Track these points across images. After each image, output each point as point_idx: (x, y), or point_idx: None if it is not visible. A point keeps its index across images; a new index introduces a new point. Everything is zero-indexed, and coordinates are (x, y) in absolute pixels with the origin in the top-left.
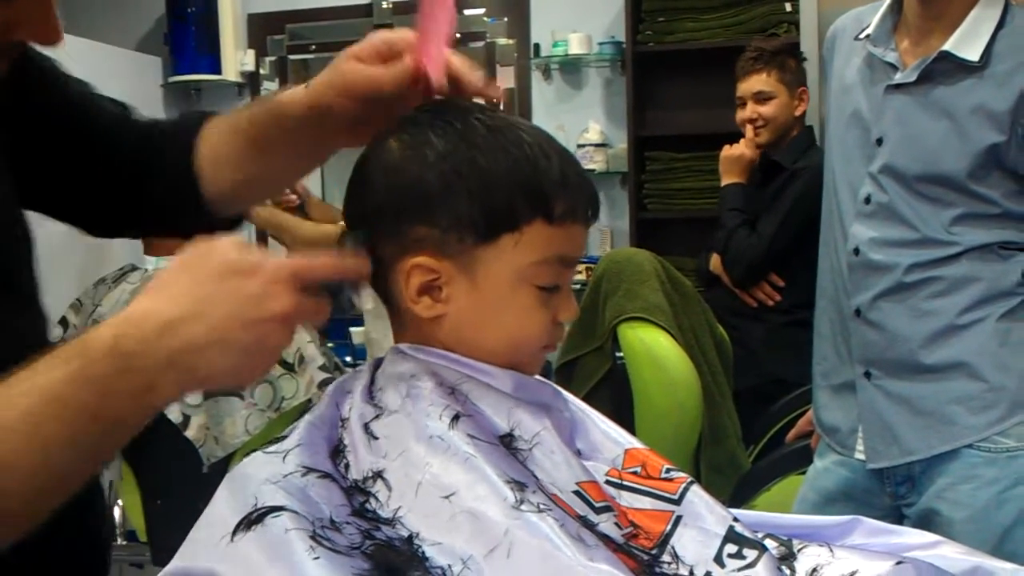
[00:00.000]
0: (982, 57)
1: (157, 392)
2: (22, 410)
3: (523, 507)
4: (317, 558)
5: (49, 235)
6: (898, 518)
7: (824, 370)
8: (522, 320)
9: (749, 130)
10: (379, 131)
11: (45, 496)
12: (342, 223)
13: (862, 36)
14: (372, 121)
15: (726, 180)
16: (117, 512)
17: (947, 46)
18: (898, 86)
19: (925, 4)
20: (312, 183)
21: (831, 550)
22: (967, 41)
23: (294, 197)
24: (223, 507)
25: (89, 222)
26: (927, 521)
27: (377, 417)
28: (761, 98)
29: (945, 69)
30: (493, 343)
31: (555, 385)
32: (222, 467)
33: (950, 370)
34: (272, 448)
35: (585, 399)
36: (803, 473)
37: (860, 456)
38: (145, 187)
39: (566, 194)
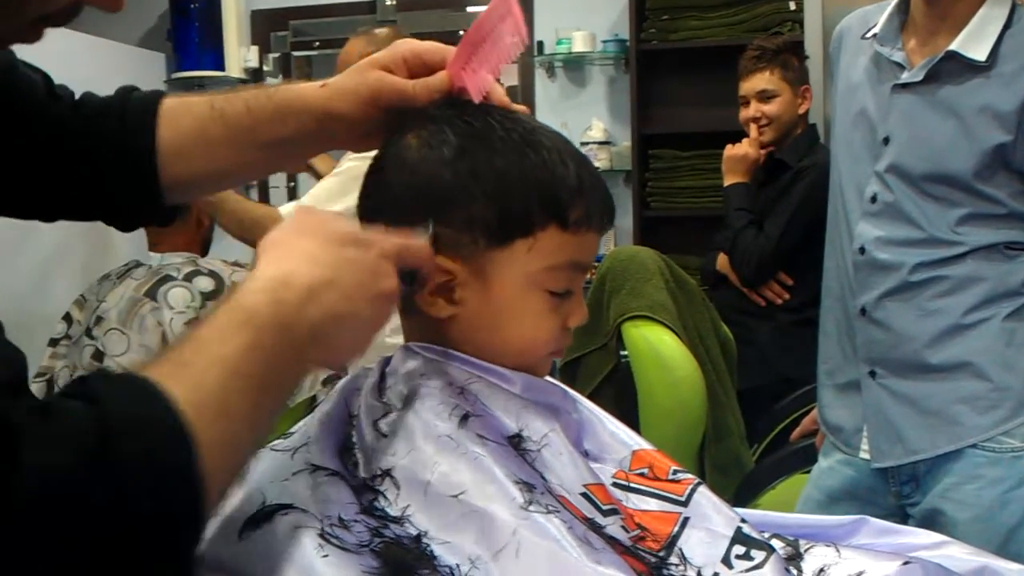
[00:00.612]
0: (989, 57)
1: (304, 365)
2: (211, 386)
3: (531, 508)
4: (326, 556)
5: (53, 231)
6: (902, 518)
7: (829, 369)
8: (533, 324)
9: (753, 129)
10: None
11: (226, 474)
12: (281, 207)
13: (869, 35)
14: (384, 130)
15: (730, 180)
16: None
17: (954, 46)
18: (905, 85)
19: (931, 3)
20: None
21: (838, 550)
22: (974, 41)
23: None
24: (231, 504)
25: (28, 209)
26: (931, 521)
27: (386, 415)
28: (764, 96)
29: (952, 69)
30: (503, 346)
31: (564, 386)
32: None
33: (955, 370)
34: (280, 445)
35: (589, 397)
36: (807, 472)
37: (865, 455)
38: (99, 174)
39: (582, 201)
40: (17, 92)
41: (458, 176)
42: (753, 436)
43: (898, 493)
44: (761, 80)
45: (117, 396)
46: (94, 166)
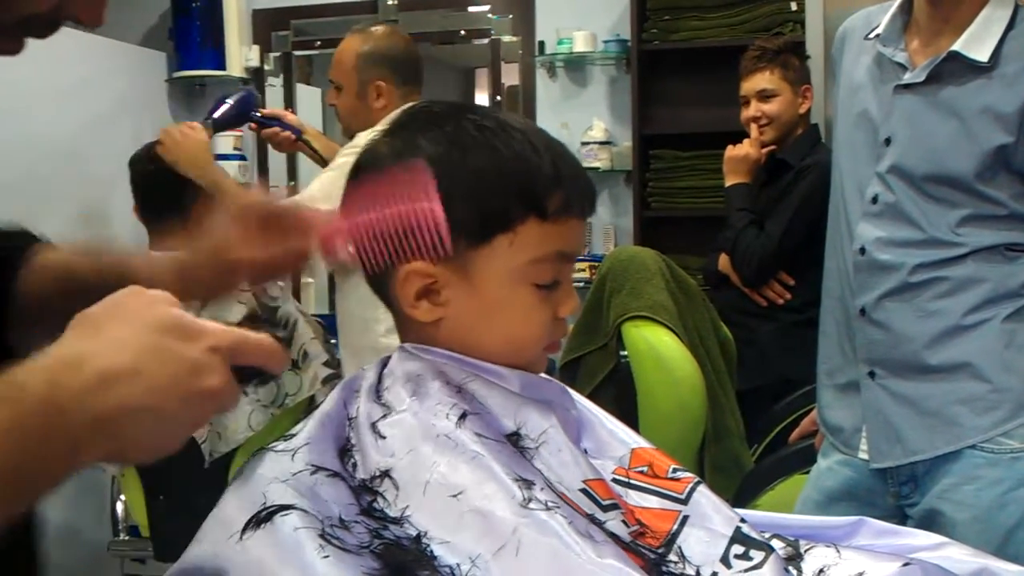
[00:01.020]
0: (991, 58)
1: (79, 456)
2: None
3: (531, 505)
4: (327, 557)
5: (49, 229)
6: (901, 518)
7: (829, 369)
8: (522, 319)
9: (754, 129)
10: (374, 136)
11: None
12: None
13: (872, 36)
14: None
15: (731, 180)
16: (120, 508)
17: (956, 46)
18: (907, 86)
19: (935, 4)
20: (315, 171)
21: (838, 551)
22: (976, 42)
23: (288, 133)
24: (232, 505)
25: None
26: (930, 521)
27: (384, 416)
28: (765, 96)
29: (954, 69)
30: (494, 343)
31: (562, 384)
32: (225, 463)
33: (955, 370)
34: (281, 446)
35: (589, 398)
36: (807, 473)
37: (864, 456)
38: None
39: (559, 190)
40: None
41: (435, 183)
42: (753, 436)
43: (897, 494)
44: (761, 80)
45: None
46: None
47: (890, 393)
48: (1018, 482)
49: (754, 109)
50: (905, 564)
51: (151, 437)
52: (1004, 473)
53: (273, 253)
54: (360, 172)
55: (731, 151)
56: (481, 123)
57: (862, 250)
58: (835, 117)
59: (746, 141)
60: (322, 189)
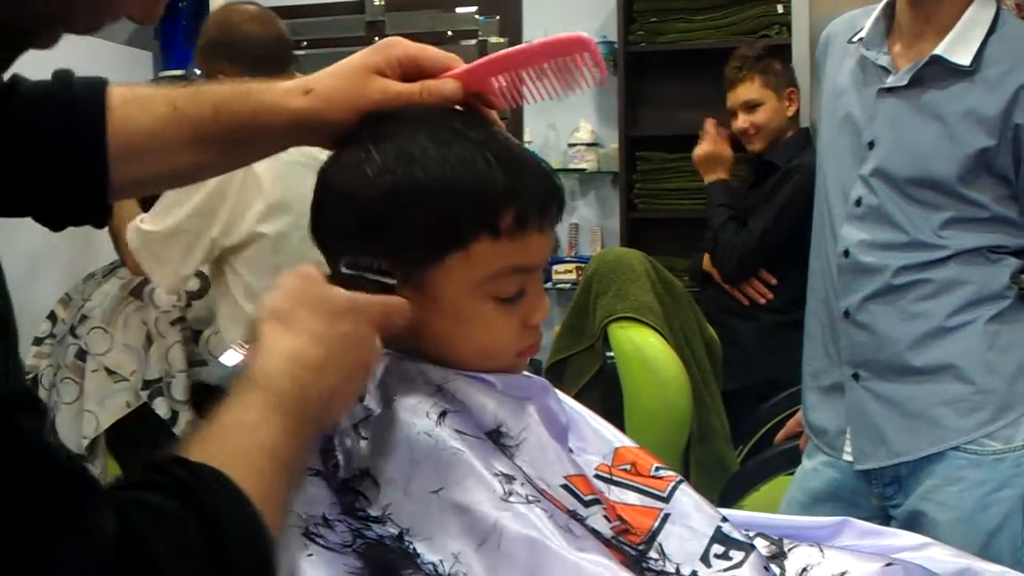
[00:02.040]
0: (973, 61)
1: (312, 436)
2: (266, 480)
3: (512, 499)
4: (311, 555)
5: (38, 229)
6: (885, 519)
7: (814, 371)
8: (488, 332)
9: (745, 137)
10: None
11: None
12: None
13: (855, 39)
14: None
15: (709, 178)
16: None
17: (938, 50)
18: (890, 89)
19: (918, 9)
20: None
21: (821, 550)
22: (958, 45)
23: None
24: None
25: None
26: (913, 522)
27: (365, 418)
28: (750, 106)
29: (936, 73)
30: (466, 354)
31: (545, 381)
32: None
33: (938, 372)
34: None
35: (575, 398)
36: (791, 474)
37: (848, 457)
38: (37, 171)
39: (513, 206)
40: None
41: (382, 198)
42: (738, 438)
43: (881, 495)
44: (744, 91)
45: (212, 499)
46: (32, 160)
47: (874, 395)
48: (1000, 484)
49: (742, 121)
50: (888, 564)
51: (339, 407)
52: (987, 475)
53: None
54: (319, 188)
55: (699, 151)
56: (436, 134)
57: (846, 252)
58: (819, 120)
59: (704, 139)
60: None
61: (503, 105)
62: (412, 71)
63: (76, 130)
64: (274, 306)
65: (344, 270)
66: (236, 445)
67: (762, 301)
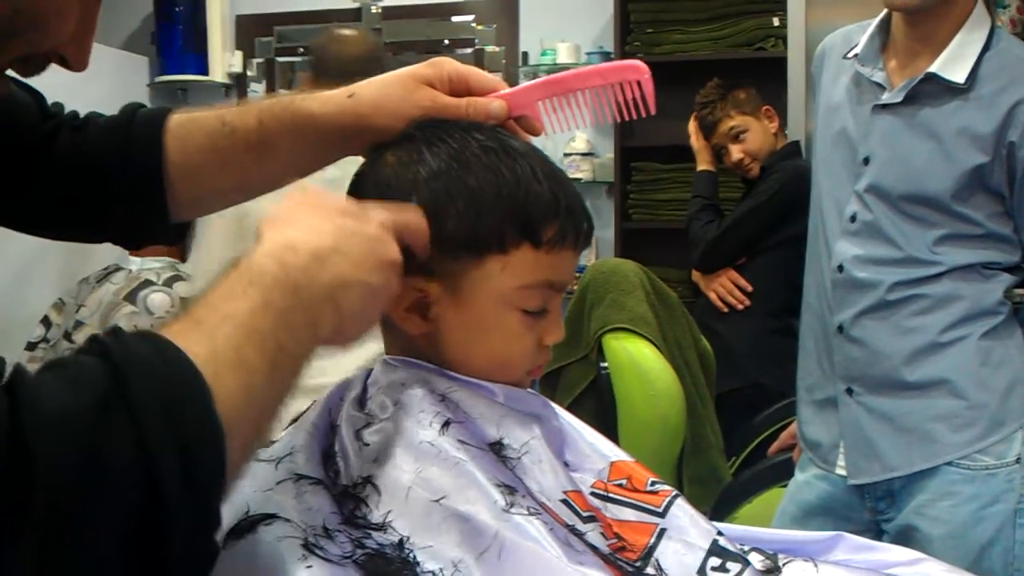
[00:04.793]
0: (968, 79)
1: (319, 328)
2: (224, 340)
3: (513, 510)
4: (310, 567)
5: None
6: (877, 533)
7: (808, 385)
8: (507, 343)
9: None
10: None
11: (247, 426)
12: None
13: (850, 55)
14: None
15: (699, 167)
16: None
17: (933, 67)
18: (885, 106)
19: (913, 26)
20: None
21: (816, 565)
22: (953, 63)
23: None
24: None
25: (42, 227)
26: (906, 537)
27: (368, 425)
28: (737, 135)
29: (931, 90)
30: (478, 362)
31: (545, 398)
32: None
33: (931, 387)
34: (264, 455)
35: (569, 409)
36: (784, 486)
37: (841, 471)
38: (104, 196)
39: (556, 220)
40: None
41: (432, 195)
42: (731, 449)
43: (873, 509)
44: (725, 126)
45: (130, 348)
46: (99, 187)
47: (867, 410)
48: (993, 498)
49: (736, 153)
50: None
51: (363, 306)
52: (979, 489)
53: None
54: (361, 180)
55: (694, 141)
56: (486, 143)
57: (840, 268)
58: (814, 134)
59: (692, 134)
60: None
61: (542, 130)
62: (461, 88)
63: (135, 155)
64: (272, 213)
65: None
66: (197, 315)
67: (740, 307)
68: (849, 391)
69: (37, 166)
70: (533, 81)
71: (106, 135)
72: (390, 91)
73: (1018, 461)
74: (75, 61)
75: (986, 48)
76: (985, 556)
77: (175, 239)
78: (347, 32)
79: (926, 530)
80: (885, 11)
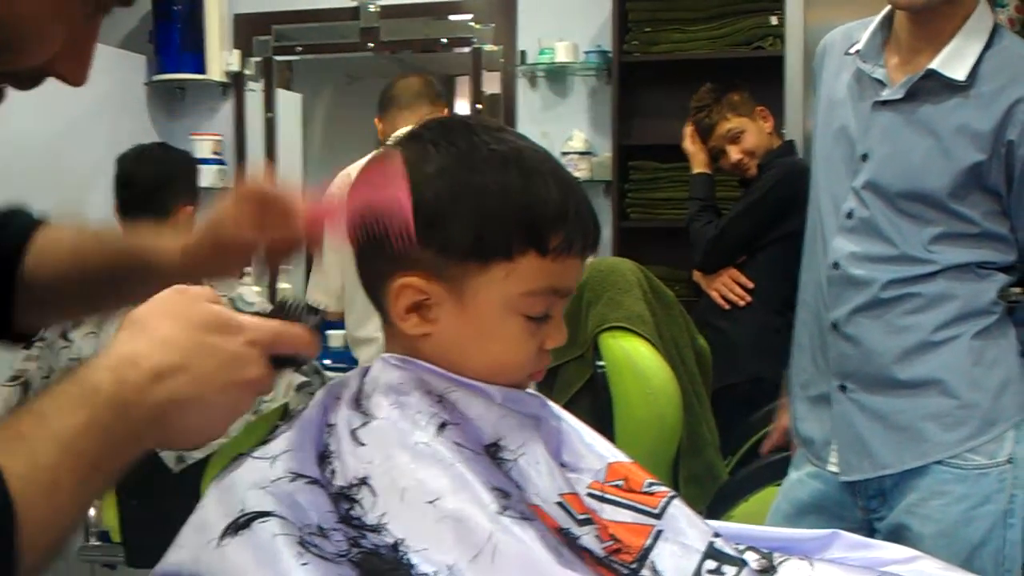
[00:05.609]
0: (968, 77)
1: (141, 444)
2: (44, 462)
3: (507, 513)
4: (305, 564)
5: None
6: (869, 532)
7: (802, 381)
8: (508, 348)
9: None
10: (386, 144)
11: (45, 550)
12: None
13: (852, 51)
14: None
15: (694, 169)
16: (91, 512)
17: (934, 64)
18: (885, 103)
19: (916, 24)
20: (294, 177)
21: (811, 564)
22: (954, 60)
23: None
24: (211, 511)
25: None
26: (897, 536)
27: (364, 424)
28: (734, 137)
29: (931, 87)
30: (478, 365)
31: (543, 397)
32: (199, 469)
33: (924, 386)
34: (260, 452)
35: (565, 407)
36: (780, 485)
37: (834, 468)
38: None
39: (563, 228)
40: None
41: (439, 196)
42: (727, 448)
43: (865, 507)
44: (722, 128)
45: None
46: None
47: (860, 407)
48: (984, 498)
49: (734, 154)
50: None
51: (197, 425)
52: (971, 489)
53: (272, 236)
54: None
55: (686, 145)
56: (496, 146)
57: (835, 264)
58: (814, 131)
59: (687, 138)
60: None
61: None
62: (264, 213)
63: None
64: (136, 313)
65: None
66: (23, 429)
67: (741, 304)
68: (842, 388)
69: None
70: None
71: None
72: (201, 234)
73: (1009, 461)
74: (71, 77)
75: (988, 46)
76: (976, 556)
77: (15, 342)
78: (410, 75)
79: (917, 529)
80: (888, 8)
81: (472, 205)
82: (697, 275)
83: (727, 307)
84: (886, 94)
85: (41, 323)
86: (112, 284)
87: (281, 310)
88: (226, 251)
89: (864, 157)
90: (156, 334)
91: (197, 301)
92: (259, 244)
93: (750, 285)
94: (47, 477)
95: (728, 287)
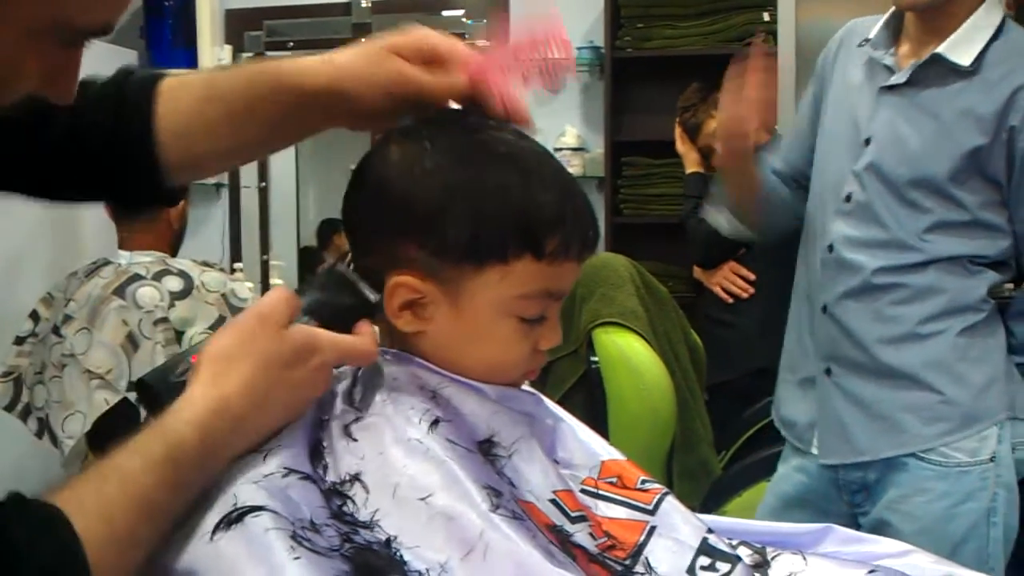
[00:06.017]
0: (974, 63)
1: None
2: (123, 523)
3: (499, 511)
4: (298, 558)
5: (18, 226)
6: (855, 526)
7: (790, 364)
8: (502, 349)
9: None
10: (381, 136)
11: None
12: None
13: (863, 43)
14: (388, 115)
15: (688, 169)
16: None
17: (940, 49)
18: (891, 87)
19: (923, 20)
20: (287, 173)
21: (804, 558)
22: (960, 46)
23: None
24: (203, 505)
25: (42, 192)
26: (879, 532)
27: (357, 420)
28: None
29: (936, 72)
30: (471, 365)
31: (538, 393)
32: None
33: (906, 378)
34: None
35: (559, 403)
36: None
37: (815, 451)
38: (95, 158)
39: (560, 231)
40: None
41: (434, 196)
42: (721, 443)
43: (850, 502)
44: (709, 126)
45: (22, 531)
46: (90, 151)
47: (843, 391)
48: (965, 496)
49: None
50: (871, 571)
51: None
52: (952, 486)
53: (436, 78)
54: (363, 174)
55: (679, 147)
56: (495, 147)
57: (830, 247)
58: (821, 119)
59: (679, 139)
60: None
61: (499, 110)
62: (431, 58)
63: (125, 121)
64: (217, 348)
65: (337, 269)
66: (107, 490)
67: (744, 296)
68: (828, 371)
69: (35, 131)
70: (495, 50)
71: (97, 101)
72: (359, 60)
73: (992, 459)
74: (56, 100)
75: (995, 36)
76: (958, 553)
77: (171, 202)
78: None
79: (898, 525)
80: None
81: (468, 206)
82: (697, 271)
83: (731, 301)
84: (891, 79)
85: (183, 175)
86: (250, 113)
87: (337, 282)
88: (386, 75)
89: (867, 141)
90: (240, 379)
91: (276, 333)
92: (421, 83)
93: (752, 277)
94: (126, 536)
95: (730, 280)
